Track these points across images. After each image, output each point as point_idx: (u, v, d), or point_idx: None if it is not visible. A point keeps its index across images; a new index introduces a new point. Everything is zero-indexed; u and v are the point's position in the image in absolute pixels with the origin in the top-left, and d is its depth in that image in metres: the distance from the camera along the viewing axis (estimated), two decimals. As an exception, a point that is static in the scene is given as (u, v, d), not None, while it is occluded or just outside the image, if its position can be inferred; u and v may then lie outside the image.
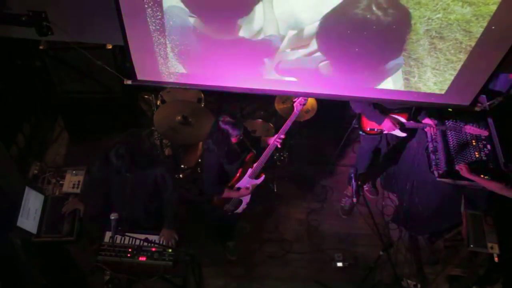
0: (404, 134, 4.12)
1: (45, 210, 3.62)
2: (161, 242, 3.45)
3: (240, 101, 5.47)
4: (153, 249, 3.40)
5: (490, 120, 4.19)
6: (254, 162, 3.63)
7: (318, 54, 2.98)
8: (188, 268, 3.61)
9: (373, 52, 2.92)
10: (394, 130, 3.99)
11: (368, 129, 4.18)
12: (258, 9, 2.72)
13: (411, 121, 4.01)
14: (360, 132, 4.29)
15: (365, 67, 3.08)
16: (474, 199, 3.91)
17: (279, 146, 3.69)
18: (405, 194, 4.62)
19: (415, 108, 4.01)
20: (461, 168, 3.69)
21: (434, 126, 3.94)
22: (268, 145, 3.69)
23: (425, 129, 4.05)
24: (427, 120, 3.99)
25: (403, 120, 4.01)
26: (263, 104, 5.57)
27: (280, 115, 4.64)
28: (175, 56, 3.07)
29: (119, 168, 3.28)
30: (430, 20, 2.68)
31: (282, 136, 3.65)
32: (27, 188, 3.54)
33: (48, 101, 5.11)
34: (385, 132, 4.12)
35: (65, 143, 5.27)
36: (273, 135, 3.86)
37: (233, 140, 3.41)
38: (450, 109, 4.08)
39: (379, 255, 3.59)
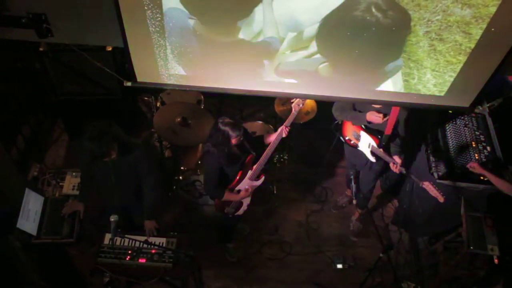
0: (373, 159, 3.96)
1: (45, 212, 3.63)
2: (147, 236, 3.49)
3: (240, 103, 5.47)
4: (153, 251, 3.40)
5: (489, 122, 4.20)
6: (254, 164, 3.63)
7: (318, 56, 2.98)
8: (188, 270, 3.61)
9: (372, 54, 2.92)
10: (378, 121, 3.74)
11: (347, 138, 4.09)
12: (258, 11, 2.72)
13: (381, 149, 3.81)
14: (341, 137, 4.18)
15: (364, 69, 3.08)
16: (474, 201, 3.91)
17: (285, 135, 3.62)
18: (405, 196, 4.62)
19: (386, 137, 3.81)
20: (474, 166, 3.68)
21: (399, 165, 3.71)
22: (269, 143, 3.68)
23: (390, 164, 3.78)
24: (396, 158, 3.77)
25: (374, 144, 3.85)
26: (262, 106, 5.58)
27: (280, 117, 4.65)
28: (175, 58, 3.07)
29: (93, 152, 3.23)
30: (429, 22, 2.68)
31: (288, 128, 3.61)
32: (27, 190, 3.54)
33: (48, 103, 5.11)
34: (359, 148, 4.00)
35: (65, 145, 5.28)
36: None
37: (233, 141, 3.40)
38: (450, 111, 4.08)
39: (379, 257, 3.59)
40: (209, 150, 3.44)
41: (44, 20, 2.80)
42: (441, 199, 3.54)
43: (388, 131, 3.75)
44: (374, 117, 3.73)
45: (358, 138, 3.96)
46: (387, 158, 3.78)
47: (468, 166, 3.75)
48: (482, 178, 3.72)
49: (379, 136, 3.84)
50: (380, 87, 3.21)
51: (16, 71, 4.86)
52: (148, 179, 3.53)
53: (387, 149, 3.85)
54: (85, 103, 4.76)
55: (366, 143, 3.90)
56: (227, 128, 3.33)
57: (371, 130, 3.87)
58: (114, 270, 3.37)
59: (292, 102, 3.59)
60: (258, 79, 3.21)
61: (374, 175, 4.33)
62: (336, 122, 4.19)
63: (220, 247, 4.51)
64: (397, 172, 3.75)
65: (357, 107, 3.93)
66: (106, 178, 3.49)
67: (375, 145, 3.84)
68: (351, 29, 2.75)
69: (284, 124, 3.58)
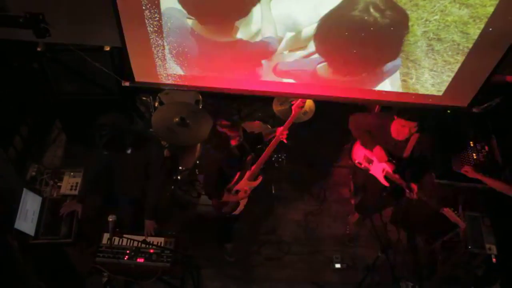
0: (386, 184, 3.81)
1: (43, 212, 3.62)
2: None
3: (238, 102, 5.46)
4: (151, 251, 3.39)
5: (488, 122, 4.20)
6: (253, 165, 3.62)
7: (316, 55, 2.99)
8: (186, 269, 3.61)
9: (370, 53, 2.93)
10: (383, 161, 3.67)
11: (357, 162, 3.98)
12: (256, 10, 2.73)
13: (397, 175, 3.67)
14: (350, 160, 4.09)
15: (362, 69, 3.09)
16: (472, 200, 3.91)
17: (284, 141, 3.59)
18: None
19: (404, 161, 3.70)
20: (467, 171, 3.68)
21: (415, 193, 3.59)
22: (268, 142, 3.65)
23: (406, 191, 3.67)
24: (412, 184, 3.64)
25: (388, 169, 3.69)
26: (261, 106, 5.57)
27: (278, 117, 4.64)
28: (173, 57, 3.07)
29: (115, 146, 3.27)
30: (427, 22, 2.68)
31: (286, 132, 3.57)
32: (24, 190, 3.53)
33: (46, 103, 5.09)
34: (370, 172, 3.89)
35: (62, 145, 5.26)
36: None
37: (233, 142, 3.40)
38: (448, 111, 4.08)
39: (377, 257, 3.59)
40: (209, 152, 3.43)
41: (41, 20, 2.80)
42: (462, 225, 3.52)
43: (406, 155, 3.65)
44: (381, 155, 3.63)
45: (370, 162, 3.83)
46: (403, 184, 3.65)
47: (462, 170, 3.75)
48: (487, 176, 3.70)
49: (394, 161, 3.70)
50: (378, 87, 3.22)
51: (14, 71, 4.85)
52: (157, 176, 3.56)
53: (402, 175, 3.69)
54: (83, 103, 4.73)
55: (379, 168, 3.77)
56: (225, 130, 3.33)
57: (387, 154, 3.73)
58: (112, 269, 3.37)
59: (292, 104, 3.55)
60: (256, 79, 3.21)
61: (380, 197, 4.24)
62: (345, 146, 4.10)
63: (219, 247, 4.50)
64: (415, 198, 3.64)
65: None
66: (125, 170, 3.50)
67: (389, 170, 3.69)
68: (349, 29, 2.76)
69: (283, 127, 3.53)
